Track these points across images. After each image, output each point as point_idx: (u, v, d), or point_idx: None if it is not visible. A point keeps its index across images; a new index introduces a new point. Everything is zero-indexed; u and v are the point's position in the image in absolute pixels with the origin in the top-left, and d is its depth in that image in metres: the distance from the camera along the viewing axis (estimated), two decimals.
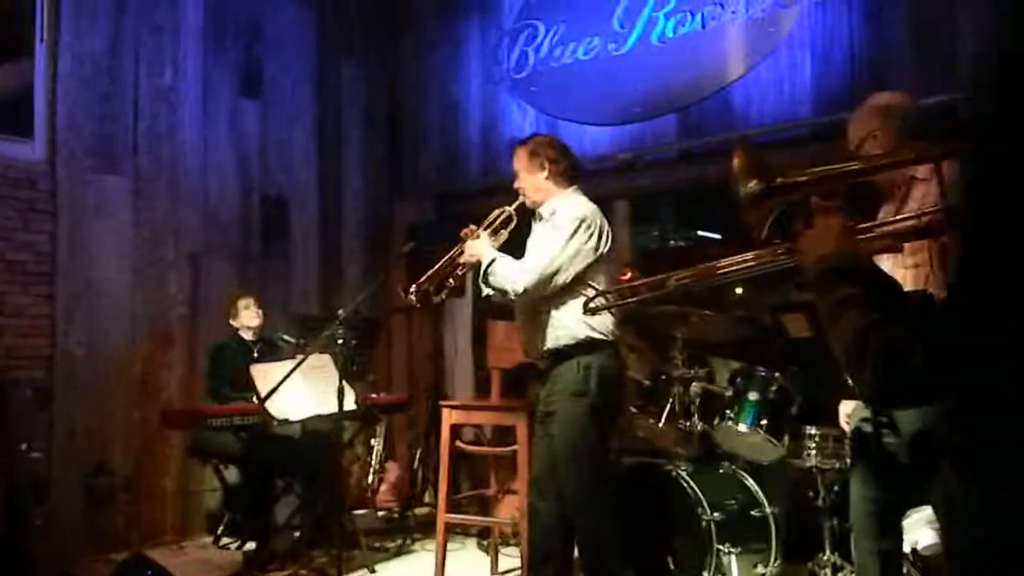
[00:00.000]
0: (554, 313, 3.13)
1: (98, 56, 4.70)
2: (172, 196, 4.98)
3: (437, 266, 3.33)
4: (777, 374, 3.56)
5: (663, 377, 3.79)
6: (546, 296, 3.11)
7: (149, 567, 3.20)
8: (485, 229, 3.29)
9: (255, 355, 4.53)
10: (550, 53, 5.15)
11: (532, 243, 3.23)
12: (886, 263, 2.44)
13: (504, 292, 3.17)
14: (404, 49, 6.05)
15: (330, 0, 5.87)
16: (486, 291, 3.24)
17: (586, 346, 3.11)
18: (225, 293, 4.90)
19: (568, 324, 3.10)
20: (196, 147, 5.11)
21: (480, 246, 3.24)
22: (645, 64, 4.75)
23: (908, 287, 2.39)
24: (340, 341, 3.94)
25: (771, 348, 3.84)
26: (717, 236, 7.83)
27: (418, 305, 3.40)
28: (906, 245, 2.28)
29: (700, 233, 7.76)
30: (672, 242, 7.54)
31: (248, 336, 4.63)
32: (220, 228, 5.21)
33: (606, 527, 3.15)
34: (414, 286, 3.32)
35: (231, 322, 4.67)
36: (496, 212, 3.31)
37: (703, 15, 4.55)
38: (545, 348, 3.15)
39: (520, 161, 3.27)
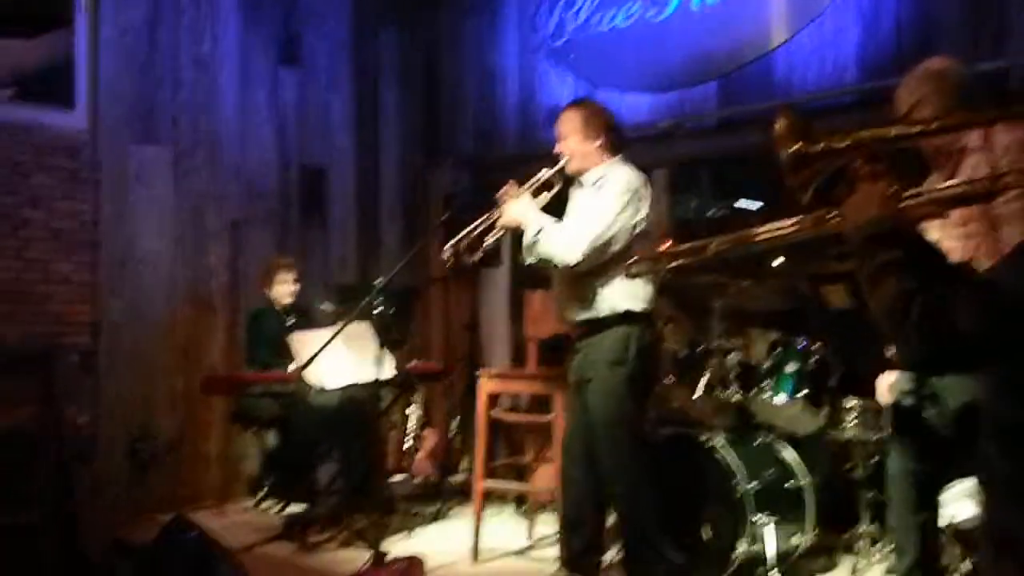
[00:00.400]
0: (596, 283, 3.11)
1: (138, 25, 4.74)
2: (212, 165, 5.03)
3: (473, 226, 3.24)
4: (816, 345, 3.53)
5: (700, 348, 3.76)
6: (585, 266, 3.09)
7: (193, 529, 3.26)
8: (531, 189, 3.18)
9: (289, 324, 4.58)
10: (588, 20, 5.09)
11: (576, 210, 3.16)
12: (935, 233, 2.39)
13: (549, 261, 3.10)
14: (441, 17, 6.01)
15: None
16: (529, 260, 3.16)
17: (625, 317, 3.12)
18: (263, 262, 4.93)
19: (610, 295, 3.10)
20: (235, 116, 5.15)
21: (523, 211, 3.14)
22: (685, 31, 4.67)
23: (956, 257, 2.35)
24: (378, 310, 3.96)
25: (810, 319, 3.80)
26: (756, 205, 7.74)
27: (449, 266, 3.31)
28: (957, 214, 2.25)
29: (739, 203, 7.67)
30: (711, 212, 7.46)
31: (280, 307, 4.67)
32: (259, 197, 5.26)
33: (643, 496, 3.17)
34: (448, 246, 3.26)
35: (265, 291, 4.71)
36: (539, 175, 3.20)
37: None
38: (584, 317, 3.14)
39: (571, 124, 3.18)
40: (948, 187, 1.54)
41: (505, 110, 5.61)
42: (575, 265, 3.04)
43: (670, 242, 4.22)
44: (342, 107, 5.71)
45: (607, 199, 3.08)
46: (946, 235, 2.34)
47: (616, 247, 3.05)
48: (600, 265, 3.08)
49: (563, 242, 3.04)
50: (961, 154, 2.38)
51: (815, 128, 1.45)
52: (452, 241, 3.25)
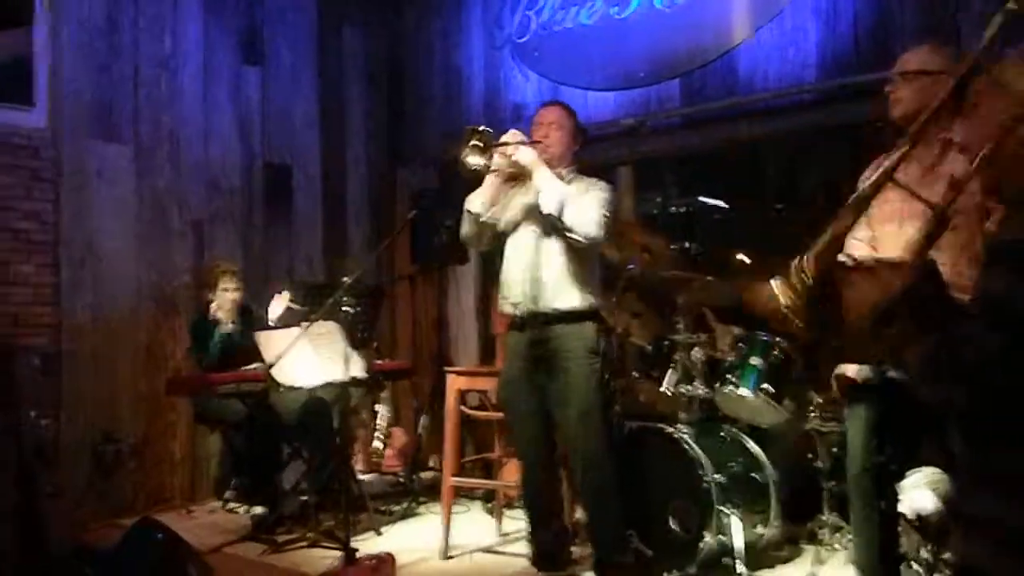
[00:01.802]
0: (579, 274, 3.17)
1: (98, 23, 4.68)
2: (174, 164, 4.99)
3: (501, 141, 3.19)
4: (779, 339, 3.58)
5: (666, 342, 3.81)
6: (583, 255, 3.15)
7: (160, 531, 3.25)
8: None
9: (228, 330, 4.46)
10: (552, 17, 5.12)
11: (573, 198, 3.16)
12: (916, 223, 2.44)
13: (563, 224, 3.08)
14: (406, 14, 6.00)
15: None
16: (549, 211, 3.10)
17: (596, 312, 3.24)
18: (210, 264, 4.78)
19: (590, 287, 3.21)
20: (197, 114, 5.11)
21: (537, 161, 3.15)
22: (649, 28, 4.72)
23: (944, 249, 2.39)
24: (345, 308, 3.96)
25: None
26: (720, 202, 7.82)
27: (465, 142, 3.16)
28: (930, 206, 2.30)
29: (702, 199, 7.75)
30: (674, 208, 7.53)
31: (220, 316, 4.48)
32: (223, 195, 5.22)
33: (612, 485, 3.22)
34: (477, 129, 3.17)
35: (208, 296, 4.51)
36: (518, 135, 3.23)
37: None
38: (563, 307, 3.16)
39: (560, 121, 3.29)
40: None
41: (470, 108, 5.63)
42: (590, 239, 3.09)
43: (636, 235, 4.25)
44: (306, 105, 5.68)
45: (603, 198, 3.18)
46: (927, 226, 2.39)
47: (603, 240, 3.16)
48: (589, 256, 3.17)
49: (588, 216, 3.09)
50: (946, 146, 2.43)
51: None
52: (482, 131, 3.16)
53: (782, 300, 1.70)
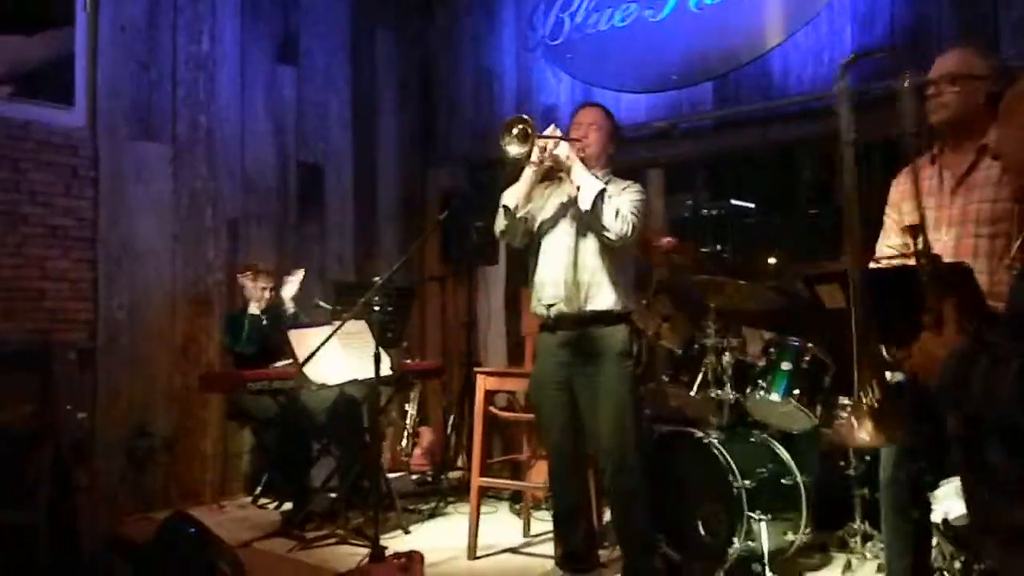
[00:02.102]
0: (614, 275, 3.17)
1: (137, 23, 4.75)
2: (210, 163, 5.05)
3: (541, 133, 3.18)
4: (811, 344, 3.56)
5: (696, 346, 3.79)
6: (618, 256, 3.17)
7: (191, 525, 3.29)
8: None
9: (264, 325, 4.62)
10: (586, 19, 5.11)
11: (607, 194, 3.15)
12: (951, 231, 2.42)
13: (600, 221, 3.07)
14: (438, 16, 6.03)
15: None
16: (586, 207, 3.10)
17: (627, 315, 3.25)
18: (265, 263, 4.93)
19: (626, 289, 3.22)
20: (233, 114, 5.17)
21: (578, 160, 3.16)
22: (682, 31, 4.70)
23: (981, 257, 2.37)
24: (376, 308, 3.99)
25: (805, 318, 3.83)
26: (750, 205, 7.77)
27: (506, 126, 3.16)
28: (988, 211, 2.29)
29: (733, 202, 7.70)
30: (705, 211, 7.49)
31: (254, 310, 4.67)
32: (257, 195, 5.28)
33: (642, 488, 3.21)
34: (524, 118, 3.15)
35: (245, 293, 4.72)
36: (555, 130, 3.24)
37: None
38: (595, 309, 3.17)
39: (599, 123, 3.31)
40: None
41: (502, 109, 5.63)
42: (623, 237, 3.09)
43: (668, 239, 4.26)
44: (340, 105, 5.73)
45: (637, 200, 3.18)
46: (965, 232, 2.37)
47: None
48: (623, 258, 3.18)
49: (623, 215, 3.09)
50: (981, 152, 2.40)
51: None
52: (525, 119, 3.15)
53: (873, 439, 1.76)
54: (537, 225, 3.32)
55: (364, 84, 5.86)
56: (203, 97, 5.03)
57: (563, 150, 3.16)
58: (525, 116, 3.16)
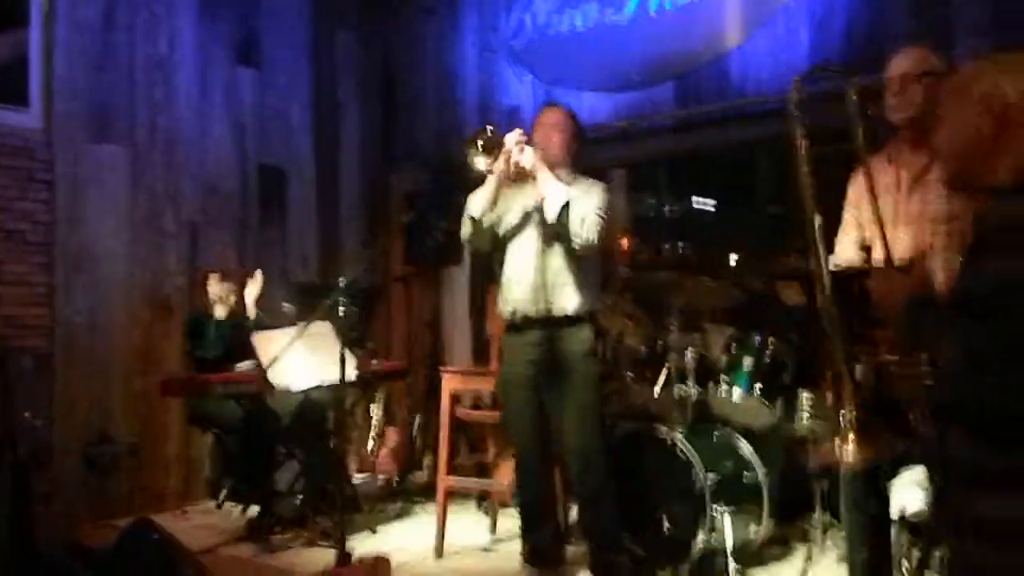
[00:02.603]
0: (579, 277, 3.20)
1: (93, 24, 4.68)
2: (169, 165, 4.99)
3: (507, 139, 3.16)
4: (772, 340, 3.61)
5: (659, 344, 3.84)
6: (584, 258, 3.19)
7: (154, 531, 3.25)
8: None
9: (227, 330, 4.56)
10: (548, 21, 5.14)
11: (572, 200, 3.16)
12: (909, 228, 2.48)
13: (566, 230, 3.09)
14: (400, 17, 6.02)
15: None
16: (552, 218, 3.12)
17: (593, 316, 3.28)
18: (226, 266, 4.89)
19: (591, 290, 3.24)
20: (193, 116, 5.11)
21: (543, 166, 3.16)
22: (643, 32, 4.75)
23: (938, 253, 2.43)
24: (340, 309, 3.97)
25: (765, 315, 3.89)
26: (712, 203, 7.88)
27: (470, 142, 3.18)
28: (945, 211, 2.35)
29: (695, 200, 7.80)
30: (667, 209, 7.57)
31: (220, 314, 4.62)
32: (218, 197, 5.23)
33: (607, 485, 3.24)
34: (490, 129, 3.18)
35: (209, 297, 4.65)
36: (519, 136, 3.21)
37: None
38: (564, 311, 3.19)
39: (562, 124, 3.31)
40: None
41: (465, 110, 5.65)
42: (589, 244, 3.11)
43: (626, 241, 4.30)
44: (301, 108, 5.69)
45: (600, 202, 3.20)
46: (921, 229, 2.43)
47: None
48: (587, 259, 3.21)
49: (589, 221, 3.11)
50: (933, 152, 2.45)
51: None
52: (489, 132, 3.17)
53: (858, 458, 1.89)
54: (503, 230, 3.33)
55: (326, 86, 5.83)
56: (161, 99, 4.97)
57: (528, 158, 3.17)
58: (489, 128, 3.17)
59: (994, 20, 3.71)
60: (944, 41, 3.79)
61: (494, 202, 3.27)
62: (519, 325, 3.28)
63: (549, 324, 3.22)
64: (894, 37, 3.95)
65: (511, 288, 3.28)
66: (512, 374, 3.33)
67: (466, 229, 3.31)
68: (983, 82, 1.55)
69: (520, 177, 3.27)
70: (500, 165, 3.16)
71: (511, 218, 3.32)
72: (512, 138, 3.19)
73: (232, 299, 4.65)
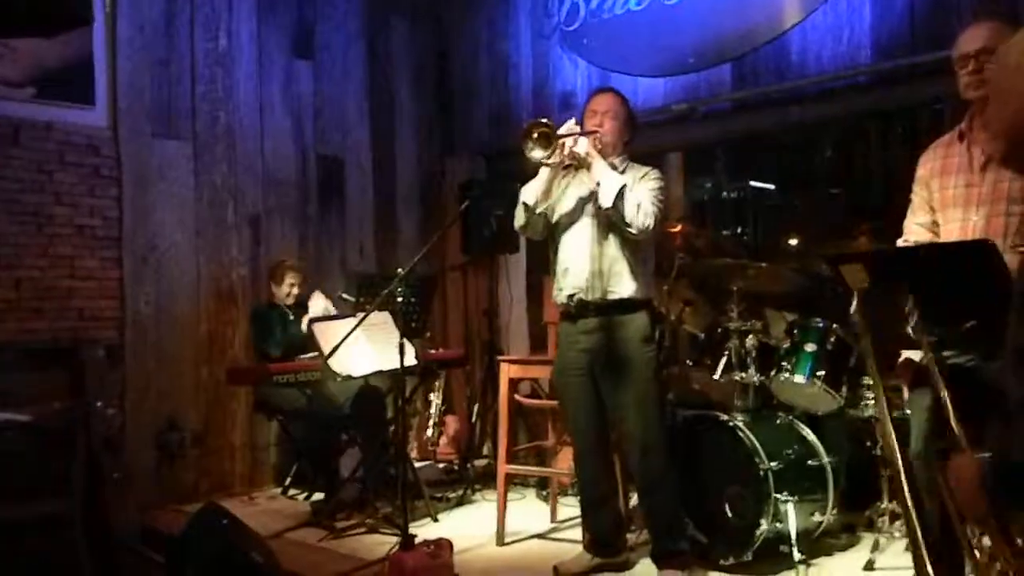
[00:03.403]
0: (635, 264, 3.19)
1: (155, 22, 4.79)
2: (230, 159, 5.09)
3: (561, 130, 3.17)
4: (835, 325, 3.55)
5: (719, 330, 3.79)
6: (639, 244, 3.18)
7: (224, 516, 3.33)
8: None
9: (291, 319, 4.67)
10: (601, 4, 5.09)
11: (627, 187, 3.14)
12: (982, 210, 2.41)
13: (622, 217, 3.08)
14: (453, 5, 6.03)
15: None
16: (607, 205, 3.10)
17: (650, 301, 3.27)
18: (277, 259, 4.99)
19: (646, 277, 3.23)
20: (252, 110, 5.20)
21: (597, 155, 3.16)
22: (698, 13, 4.67)
23: (1011, 235, 2.36)
24: (399, 298, 4.01)
25: (829, 299, 3.82)
26: (770, 186, 7.73)
27: (526, 131, 3.14)
28: (1017, 190, 2.28)
29: (753, 184, 7.66)
30: (726, 193, 7.46)
31: (285, 304, 4.76)
32: (278, 189, 5.32)
33: (668, 472, 3.22)
34: (544, 121, 3.14)
35: (272, 287, 4.81)
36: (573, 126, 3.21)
37: None
38: (618, 296, 3.18)
39: (615, 110, 3.29)
40: None
41: (519, 97, 5.63)
42: (643, 231, 3.10)
43: (680, 227, 4.26)
44: (357, 97, 5.75)
45: (657, 187, 3.19)
46: (995, 211, 2.35)
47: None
48: (643, 246, 3.19)
49: (644, 209, 3.10)
50: None
51: None
52: (545, 123, 3.14)
53: None
54: (556, 217, 3.32)
55: (380, 75, 5.87)
56: (222, 94, 5.06)
57: (582, 146, 3.16)
58: (544, 120, 3.15)
59: None
60: (1011, 16, 3.66)
61: (549, 191, 3.26)
62: (574, 313, 3.27)
63: (605, 311, 3.21)
64: (959, 13, 3.83)
65: (566, 276, 3.28)
66: (567, 362, 3.32)
67: (520, 218, 3.31)
68: None
69: (575, 165, 3.26)
70: (556, 155, 3.15)
71: (565, 205, 3.31)
72: (567, 127, 3.18)
73: (296, 291, 4.75)
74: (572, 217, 3.29)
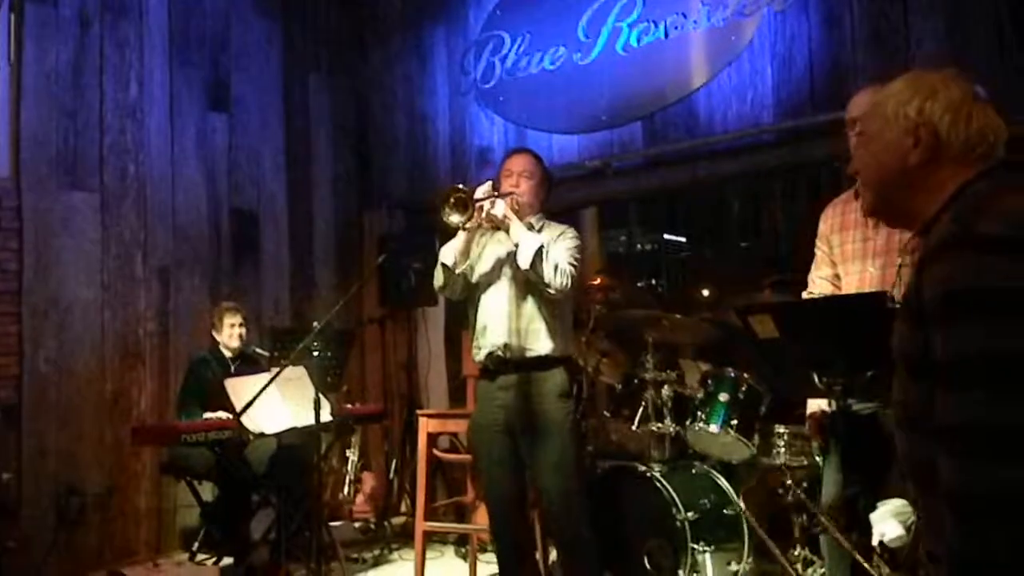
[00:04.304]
0: (552, 321, 3.17)
1: (62, 72, 4.67)
2: (140, 211, 4.96)
3: (478, 194, 3.13)
4: (746, 375, 3.63)
5: (635, 381, 3.84)
6: (556, 302, 3.17)
7: None
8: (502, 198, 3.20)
9: (232, 371, 4.53)
10: (516, 63, 5.21)
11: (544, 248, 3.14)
12: (877, 261, 2.53)
13: (540, 278, 3.06)
14: (371, 61, 6.07)
15: (296, 13, 5.88)
16: (525, 267, 3.08)
17: (568, 359, 3.25)
18: (198, 311, 4.87)
19: (564, 333, 3.21)
20: (164, 162, 5.10)
21: (514, 217, 3.15)
22: (610, 73, 4.82)
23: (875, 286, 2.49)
24: (315, 353, 3.94)
25: (739, 349, 3.91)
26: (683, 239, 7.96)
27: (441, 198, 3.11)
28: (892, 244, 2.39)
29: (667, 236, 7.88)
30: (639, 246, 7.64)
31: (227, 353, 4.64)
32: (190, 242, 5.20)
33: (587, 528, 3.20)
34: (460, 188, 3.11)
35: (214, 335, 4.67)
36: (493, 193, 3.20)
37: (666, 25, 4.63)
38: (535, 353, 3.17)
39: (530, 170, 3.30)
40: None
41: (436, 152, 5.69)
42: (560, 289, 3.08)
43: (600, 280, 4.31)
44: (273, 151, 5.70)
45: (573, 246, 3.20)
46: (890, 261, 2.47)
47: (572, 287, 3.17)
48: (559, 303, 3.19)
49: (561, 269, 3.09)
50: None
51: None
52: (461, 189, 3.11)
53: None
54: (475, 278, 3.32)
55: (298, 128, 5.84)
56: (131, 145, 4.95)
57: (499, 209, 3.15)
58: (460, 186, 3.16)
59: (951, 52, 3.82)
60: (903, 73, 3.88)
61: (467, 252, 3.27)
62: (492, 369, 3.25)
63: (523, 367, 3.19)
64: (855, 75, 4.05)
65: (484, 334, 3.26)
66: (485, 418, 3.29)
67: (439, 278, 3.30)
68: (909, 105, 1.43)
69: (493, 226, 3.27)
70: (473, 219, 3.15)
71: (484, 265, 3.31)
72: (483, 191, 3.19)
73: (240, 330, 4.65)
74: (490, 277, 3.29)
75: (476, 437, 3.35)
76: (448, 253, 3.26)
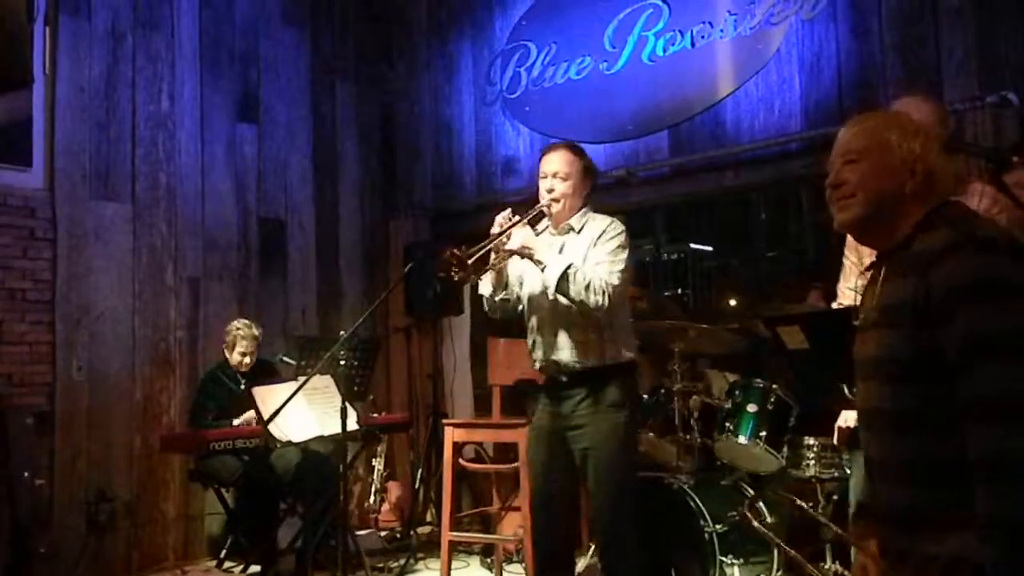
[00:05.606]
0: (600, 331, 3.05)
1: (96, 84, 4.75)
2: (170, 221, 5.03)
3: (481, 245, 3.01)
4: (775, 385, 3.59)
5: (662, 391, 3.82)
6: (603, 312, 3.02)
7: None
8: (526, 221, 3.07)
9: (243, 385, 4.53)
10: (542, 73, 5.22)
11: (580, 256, 3.06)
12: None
13: (576, 300, 2.95)
14: (398, 71, 6.11)
15: (324, 24, 5.94)
16: (553, 294, 2.99)
17: (628, 364, 3.12)
18: (227, 319, 4.86)
19: (615, 339, 3.08)
20: (194, 172, 5.16)
21: (532, 241, 3.03)
22: (636, 82, 4.82)
23: None
24: (342, 362, 3.96)
25: (768, 360, 3.88)
26: (709, 248, 7.92)
27: (442, 275, 3.02)
28: None
29: (692, 245, 7.85)
30: (665, 255, 7.61)
31: (238, 368, 4.64)
32: (219, 252, 5.25)
33: (636, 541, 3.10)
34: (454, 251, 2.96)
35: (226, 352, 4.67)
36: (532, 210, 3.10)
37: (692, 34, 4.61)
38: (587, 364, 3.06)
39: (570, 168, 3.14)
40: None
41: (462, 162, 5.70)
42: (598, 311, 2.95)
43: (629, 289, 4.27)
44: (301, 160, 5.75)
45: (615, 247, 3.07)
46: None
47: (624, 294, 3.08)
48: (609, 311, 3.03)
49: (595, 285, 2.96)
50: None
51: None
52: (460, 251, 2.98)
53: None
54: (521, 291, 3.26)
55: (325, 138, 5.89)
56: (163, 155, 5.02)
57: (515, 241, 3.03)
58: (453, 251, 2.98)
59: (980, 61, 3.78)
60: (933, 83, 3.85)
61: (501, 282, 3.20)
62: (546, 379, 3.21)
63: (573, 379, 3.08)
64: (884, 80, 4.02)
65: (534, 348, 3.21)
66: (540, 428, 3.23)
67: (486, 305, 3.26)
68: (914, 140, 1.59)
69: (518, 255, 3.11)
70: (493, 258, 3.08)
71: (529, 280, 3.19)
72: (498, 224, 3.06)
73: (250, 359, 4.64)
74: (537, 289, 3.21)
75: (530, 442, 3.29)
76: (484, 285, 3.22)
